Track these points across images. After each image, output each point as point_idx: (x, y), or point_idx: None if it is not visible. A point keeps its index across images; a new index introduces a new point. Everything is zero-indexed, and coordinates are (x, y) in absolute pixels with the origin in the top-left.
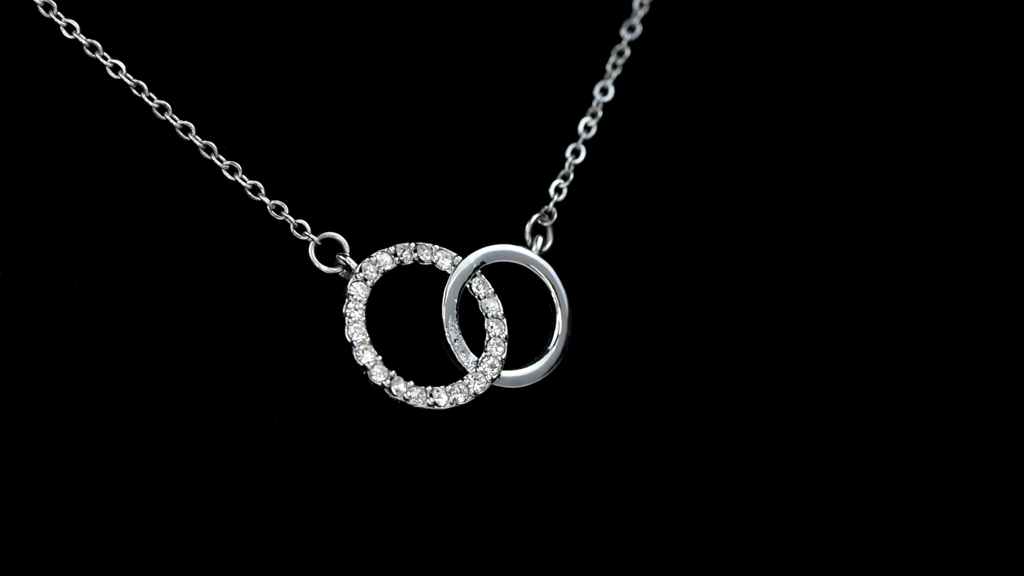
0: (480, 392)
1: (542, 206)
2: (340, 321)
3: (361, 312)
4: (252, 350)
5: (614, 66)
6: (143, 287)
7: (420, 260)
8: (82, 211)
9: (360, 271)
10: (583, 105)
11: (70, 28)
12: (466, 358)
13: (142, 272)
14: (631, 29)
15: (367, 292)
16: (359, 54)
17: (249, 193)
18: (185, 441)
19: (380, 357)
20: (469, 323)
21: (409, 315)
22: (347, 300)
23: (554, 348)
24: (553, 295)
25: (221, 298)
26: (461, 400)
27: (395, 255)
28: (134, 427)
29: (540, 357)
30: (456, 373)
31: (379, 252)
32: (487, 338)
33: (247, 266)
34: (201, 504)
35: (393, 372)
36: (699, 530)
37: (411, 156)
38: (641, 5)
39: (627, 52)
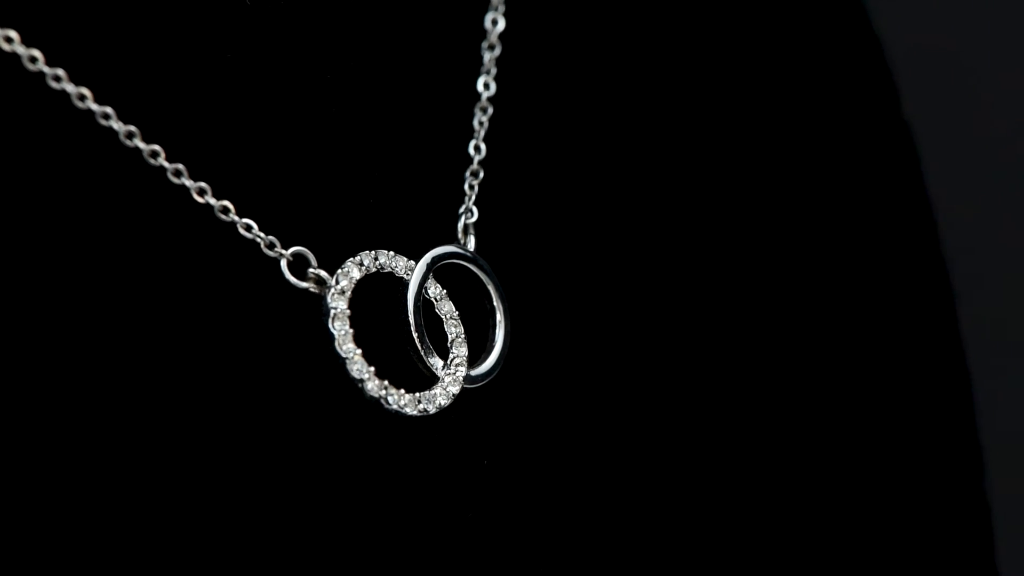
0: (456, 393)
1: (456, 204)
2: (325, 336)
3: (348, 325)
4: (225, 363)
5: (490, 60)
6: (117, 314)
7: (382, 267)
8: (49, 240)
9: (337, 283)
10: (470, 99)
11: (33, 59)
12: (435, 361)
13: (115, 299)
14: (495, 22)
15: (347, 304)
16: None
17: (220, 214)
18: (174, 459)
19: (372, 369)
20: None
21: (369, 322)
22: (332, 315)
23: (500, 344)
24: (492, 291)
25: (191, 315)
26: (444, 403)
27: (361, 264)
28: (123, 452)
29: (488, 355)
30: (423, 376)
31: (348, 263)
32: (449, 340)
33: (216, 283)
34: (189, 518)
35: (386, 382)
36: (678, 522)
37: (317, 164)
38: None
39: (498, 46)
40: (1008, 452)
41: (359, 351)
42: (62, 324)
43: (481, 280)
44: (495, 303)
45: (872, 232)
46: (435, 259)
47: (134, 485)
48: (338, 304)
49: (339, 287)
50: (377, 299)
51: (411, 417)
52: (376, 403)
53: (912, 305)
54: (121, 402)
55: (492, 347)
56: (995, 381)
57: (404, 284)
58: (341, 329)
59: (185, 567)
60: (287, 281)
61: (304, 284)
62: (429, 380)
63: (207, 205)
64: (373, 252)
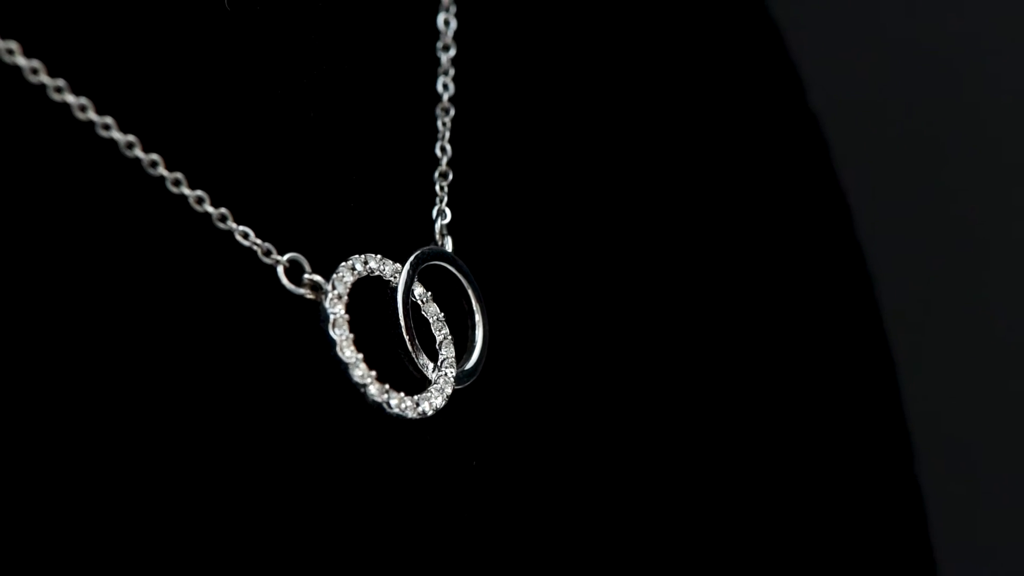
0: (449, 394)
1: (428, 206)
2: (322, 341)
3: (347, 330)
4: (223, 367)
5: (447, 61)
6: (120, 322)
7: (372, 271)
8: (52, 248)
9: (334, 288)
10: (431, 100)
11: (34, 71)
12: (425, 363)
13: (118, 307)
14: (447, 23)
15: (344, 309)
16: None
17: (218, 223)
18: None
19: (374, 373)
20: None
21: (358, 326)
22: (332, 320)
23: (479, 344)
24: (470, 292)
25: (192, 320)
26: (440, 404)
27: (353, 268)
28: (126, 460)
29: (470, 355)
30: (412, 379)
31: (341, 268)
32: (438, 341)
33: (215, 290)
34: (190, 522)
35: (387, 386)
36: (674, 522)
37: (297, 168)
38: None
39: (453, 47)
40: (936, 435)
41: (360, 356)
42: (63, 332)
43: (459, 280)
44: (473, 304)
45: (786, 224)
46: (418, 260)
47: (136, 493)
48: (336, 309)
49: (336, 292)
50: (363, 303)
51: (409, 420)
52: (378, 407)
53: (832, 294)
54: (124, 411)
55: (472, 347)
56: (917, 364)
57: (392, 287)
58: (342, 335)
59: (184, 570)
60: (283, 287)
61: (301, 290)
62: (418, 382)
63: (205, 213)
64: (363, 256)
